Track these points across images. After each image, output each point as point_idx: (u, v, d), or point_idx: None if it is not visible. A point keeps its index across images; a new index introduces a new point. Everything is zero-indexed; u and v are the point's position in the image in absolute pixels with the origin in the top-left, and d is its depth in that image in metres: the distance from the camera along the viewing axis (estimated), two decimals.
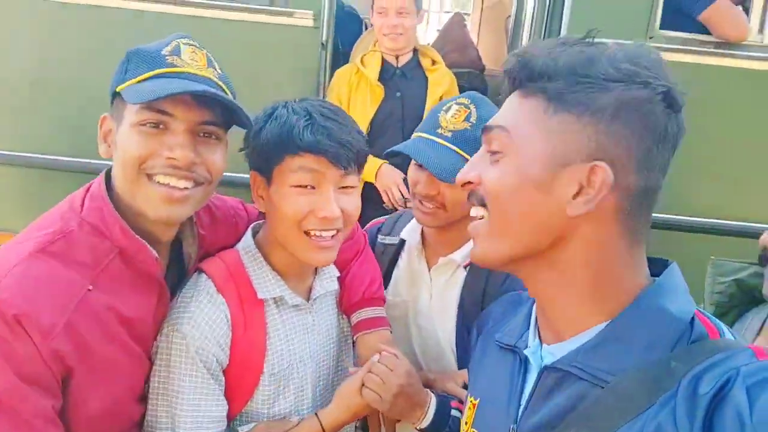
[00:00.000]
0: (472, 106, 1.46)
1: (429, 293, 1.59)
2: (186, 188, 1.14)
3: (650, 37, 2.63)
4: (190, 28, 2.52)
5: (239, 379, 1.27)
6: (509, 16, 4.00)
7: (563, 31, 2.69)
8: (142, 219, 1.16)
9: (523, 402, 0.89)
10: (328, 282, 1.43)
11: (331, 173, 1.23)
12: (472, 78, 4.26)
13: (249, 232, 1.38)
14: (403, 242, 1.66)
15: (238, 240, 1.39)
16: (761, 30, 2.72)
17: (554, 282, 0.84)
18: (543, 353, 0.89)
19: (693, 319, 0.79)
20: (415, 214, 1.55)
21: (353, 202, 1.30)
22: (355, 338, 1.45)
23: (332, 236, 1.28)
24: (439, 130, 1.45)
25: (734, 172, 2.72)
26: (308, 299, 1.39)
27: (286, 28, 2.62)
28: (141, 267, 1.16)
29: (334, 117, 1.26)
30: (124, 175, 1.13)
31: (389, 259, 1.65)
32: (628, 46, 0.80)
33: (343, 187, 1.27)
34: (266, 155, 1.26)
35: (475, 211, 0.87)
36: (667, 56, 2.72)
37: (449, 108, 1.47)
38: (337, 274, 1.46)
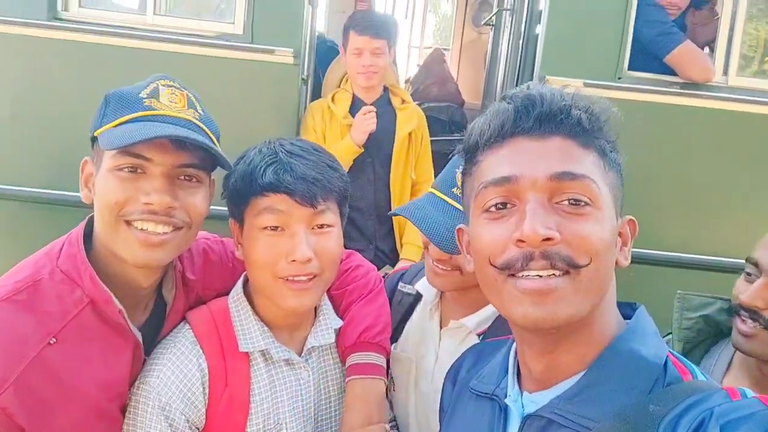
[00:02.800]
0: None
1: (435, 355, 1.44)
2: (165, 233, 1.11)
3: (619, 78, 2.73)
4: (172, 65, 2.59)
5: None
6: (487, 51, 4.12)
7: (536, 71, 2.77)
8: (123, 265, 1.13)
9: None
10: (323, 334, 1.32)
11: (299, 213, 1.16)
12: (452, 111, 4.37)
13: (240, 280, 1.31)
14: (419, 295, 1.52)
15: None
16: (725, 72, 2.81)
17: (580, 338, 0.83)
18: (524, 401, 0.89)
19: (666, 361, 0.81)
20: (427, 275, 1.39)
21: (330, 243, 1.21)
22: (346, 383, 1.33)
23: (309, 279, 1.19)
24: (455, 190, 1.27)
25: (700, 208, 2.81)
26: (301, 352, 1.30)
27: (267, 65, 2.67)
28: (112, 318, 1.11)
29: (301, 153, 1.20)
30: (102, 220, 1.11)
31: (404, 310, 1.52)
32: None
33: (319, 227, 1.20)
34: (235, 199, 1.22)
35: (548, 272, 0.78)
36: (636, 96, 2.83)
37: None
38: (337, 325, 1.36)
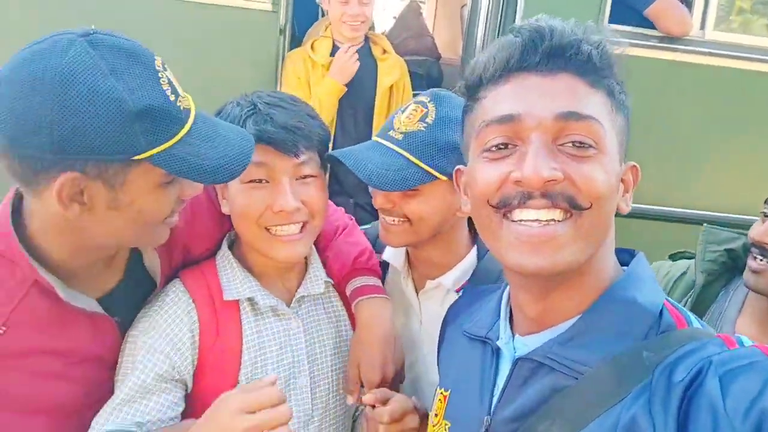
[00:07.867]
0: (431, 105, 1.26)
1: (419, 321, 1.41)
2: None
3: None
4: (143, 9, 2.49)
5: (215, 389, 1.12)
6: (465, 5, 4.06)
7: (517, 23, 2.74)
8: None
9: (497, 393, 0.88)
10: (313, 284, 1.31)
11: (282, 164, 1.16)
12: (428, 66, 4.30)
13: (226, 239, 1.30)
14: (386, 264, 1.46)
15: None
16: (702, 26, 2.84)
17: (576, 284, 0.82)
18: (516, 344, 0.88)
19: (662, 309, 0.80)
20: (381, 235, 1.35)
21: (315, 192, 1.22)
22: (353, 308, 1.33)
23: (300, 230, 1.20)
24: (391, 132, 1.29)
25: (676, 162, 2.86)
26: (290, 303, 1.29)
27: (243, 11, 2.58)
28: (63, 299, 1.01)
29: (280, 103, 1.19)
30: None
31: None
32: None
33: (303, 177, 1.20)
34: None
35: (548, 213, 0.76)
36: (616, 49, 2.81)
37: (407, 107, 1.30)
38: (327, 279, 1.35)
